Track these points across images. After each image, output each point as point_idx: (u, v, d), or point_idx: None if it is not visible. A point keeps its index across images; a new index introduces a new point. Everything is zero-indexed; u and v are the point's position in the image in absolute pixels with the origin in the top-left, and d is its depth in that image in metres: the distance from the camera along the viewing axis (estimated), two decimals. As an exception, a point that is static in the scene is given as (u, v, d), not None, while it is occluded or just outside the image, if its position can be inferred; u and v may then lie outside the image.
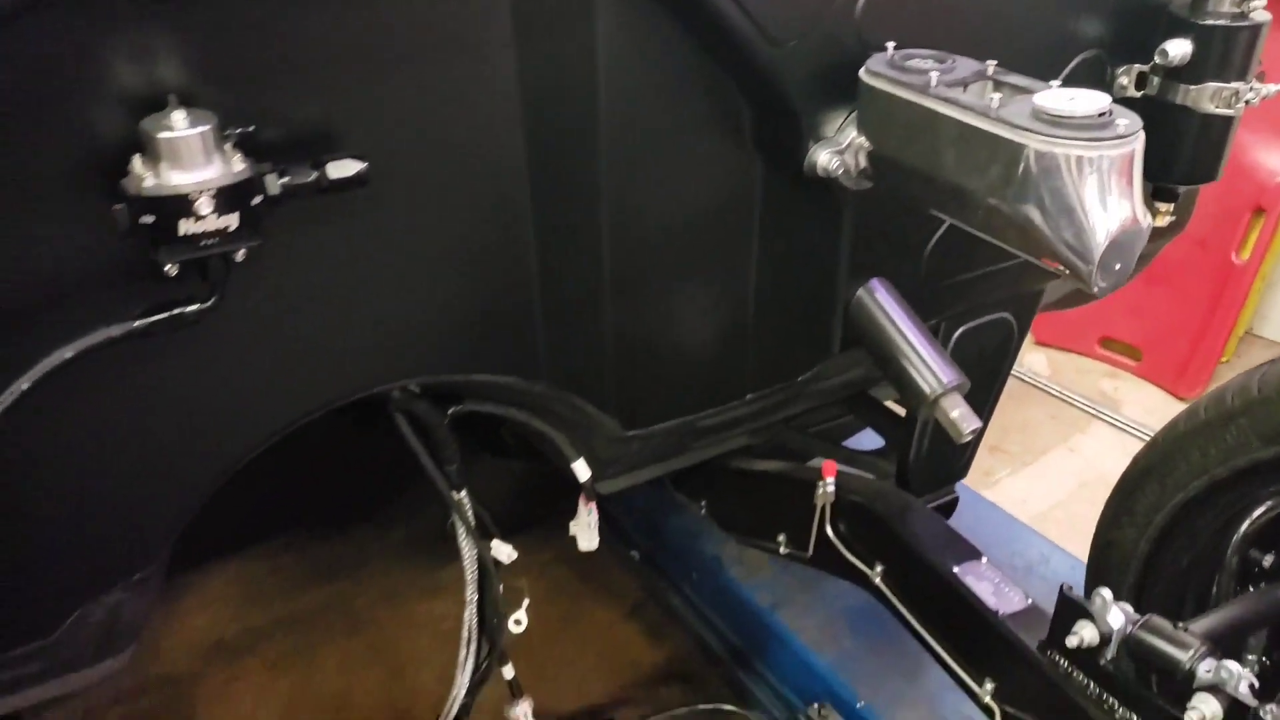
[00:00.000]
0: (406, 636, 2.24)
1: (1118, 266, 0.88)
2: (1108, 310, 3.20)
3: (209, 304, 0.91)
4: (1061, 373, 3.25)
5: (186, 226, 0.84)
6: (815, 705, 1.74)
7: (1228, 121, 1.24)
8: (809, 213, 1.18)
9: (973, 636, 1.17)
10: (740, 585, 2.02)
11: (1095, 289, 0.89)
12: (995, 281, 1.35)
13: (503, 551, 1.41)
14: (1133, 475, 1.35)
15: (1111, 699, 1.03)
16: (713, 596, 2.09)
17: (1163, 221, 1.35)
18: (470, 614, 1.49)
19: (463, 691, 1.55)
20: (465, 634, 1.51)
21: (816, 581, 2.04)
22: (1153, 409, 3.03)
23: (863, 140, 1.05)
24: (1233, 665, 0.92)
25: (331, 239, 0.98)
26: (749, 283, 1.21)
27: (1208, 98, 1.23)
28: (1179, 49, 1.20)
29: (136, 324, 0.88)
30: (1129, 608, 1.02)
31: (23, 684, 1.12)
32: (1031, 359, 3.31)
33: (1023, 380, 3.18)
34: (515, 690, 1.62)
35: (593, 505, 1.39)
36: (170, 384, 0.96)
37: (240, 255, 0.91)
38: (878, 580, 1.32)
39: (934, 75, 0.95)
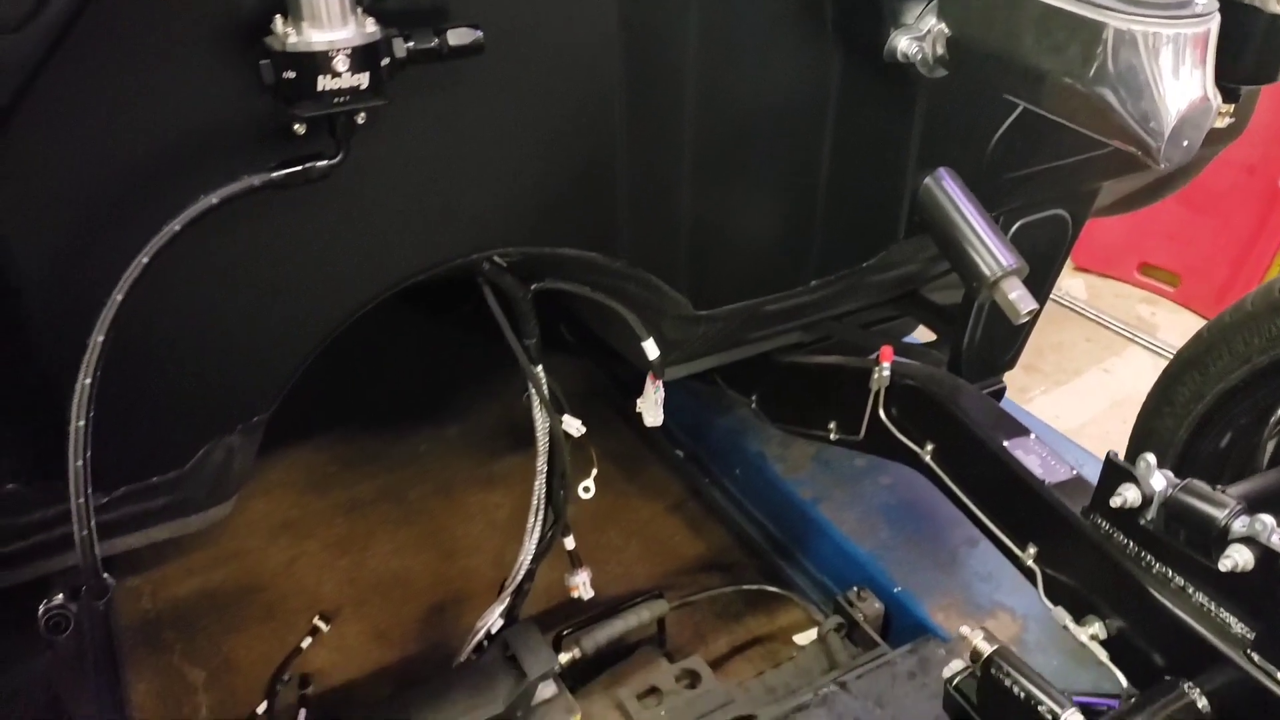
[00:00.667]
0: (460, 525, 2.37)
1: (1185, 143, 0.95)
2: (1148, 236, 3.23)
3: (336, 160, 0.99)
4: (1099, 297, 3.30)
5: (324, 83, 0.92)
6: (854, 589, 1.85)
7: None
8: (883, 102, 1.25)
9: (1018, 505, 1.27)
10: (783, 480, 2.13)
11: (1162, 164, 0.95)
12: (1054, 177, 1.42)
13: (572, 425, 1.52)
14: (1175, 367, 1.43)
15: (1149, 556, 1.13)
16: (755, 491, 2.20)
17: (1222, 123, 1.40)
18: (539, 485, 1.61)
19: (529, 558, 1.68)
20: (534, 503, 1.63)
21: (855, 479, 2.15)
22: (1188, 333, 3.05)
23: (942, 26, 1.11)
24: (1266, 518, 1.01)
25: (443, 107, 1.06)
26: (821, 170, 1.28)
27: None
28: (1250, -52, 1.24)
29: (274, 174, 0.97)
30: (1170, 473, 1.11)
31: (149, 519, 1.24)
32: (1070, 283, 3.36)
33: (1060, 304, 3.23)
34: (575, 560, 1.74)
35: (659, 384, 1.48)
36: (295, 237, 1.05)
37: (362, 118, 0.99)
38: (927, 458, 1.42)
39: (1016, -40, 1.01)
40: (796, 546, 2.08)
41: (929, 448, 1.42)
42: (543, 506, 1.63)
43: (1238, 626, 1.05)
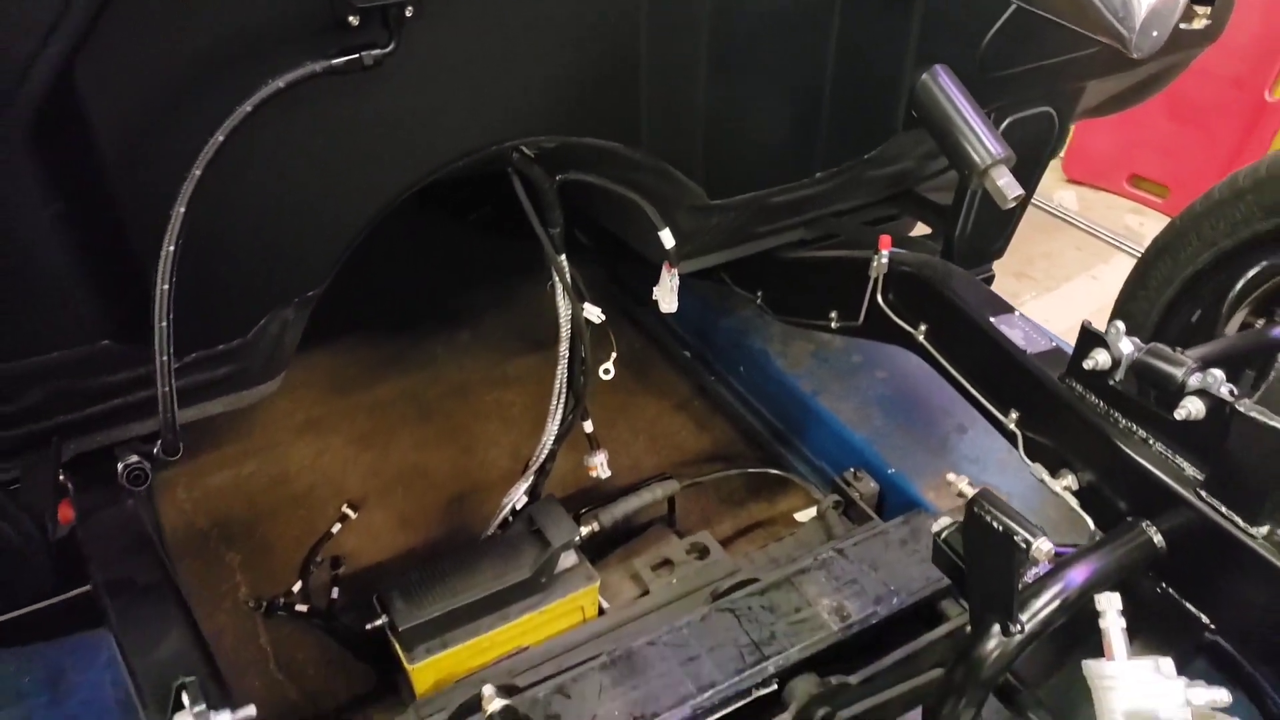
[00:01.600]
0: (476, 422, 2.52)
1: (1154, 34, 1.06)
2: (1138, 149, 3.34)
3: (388, 49, 1.10)
4: (1090, 208, 3.42)
5: (378, -26, 1.02)
6: (851, 470, 2.01)
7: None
8: (884, 2, 1.35)
9: (1002, 374, 1.41)
10: (784, 374, 2.27)
11: (1134, 53, 1.07)
12: (1041, 76, 1.53)
13: (593, 313, 1.65)
14: (1150, 254, 1.56)
15: (1117, 413, 1.28)
16: (758, 386, 2.35)
17: (1199, 24, 1.51)
18: (561, 369, 1.74)
19: (551, 439, 1.82)
20: (556, 387, 1.76)
21: (852, 373, 2.30)
22: (1174, 244, 3.22)
23: (941, -74, 1.21)
24: (1217, 372, 1.15)
25: (482, 2, 1.16)
26: (827, 66, 1.38)
27: (1255, -99, 1.36)
28: None
29: (334, 61, 1.08)
30: (1136, 339, 1.25)
31: (211, 390, 1.37)
32: (1061, 194, 3.47)
33: (1052, 214, 3.35)
34: (594, 442, 1.89)
35: (674, 272, 1.61)
36: (349, 122, 1.17)
37: (410, 10, 1.09)
38: (921, 338, 1.56)
39: None
40: (797, 435, 2.24)
41: (923, 328, 1.56)
42: (564, 391, 1.77)
43: (1190, 470, 1.20)
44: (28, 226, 1.00)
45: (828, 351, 2.36)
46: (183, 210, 1.05)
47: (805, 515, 2.04)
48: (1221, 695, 1.01)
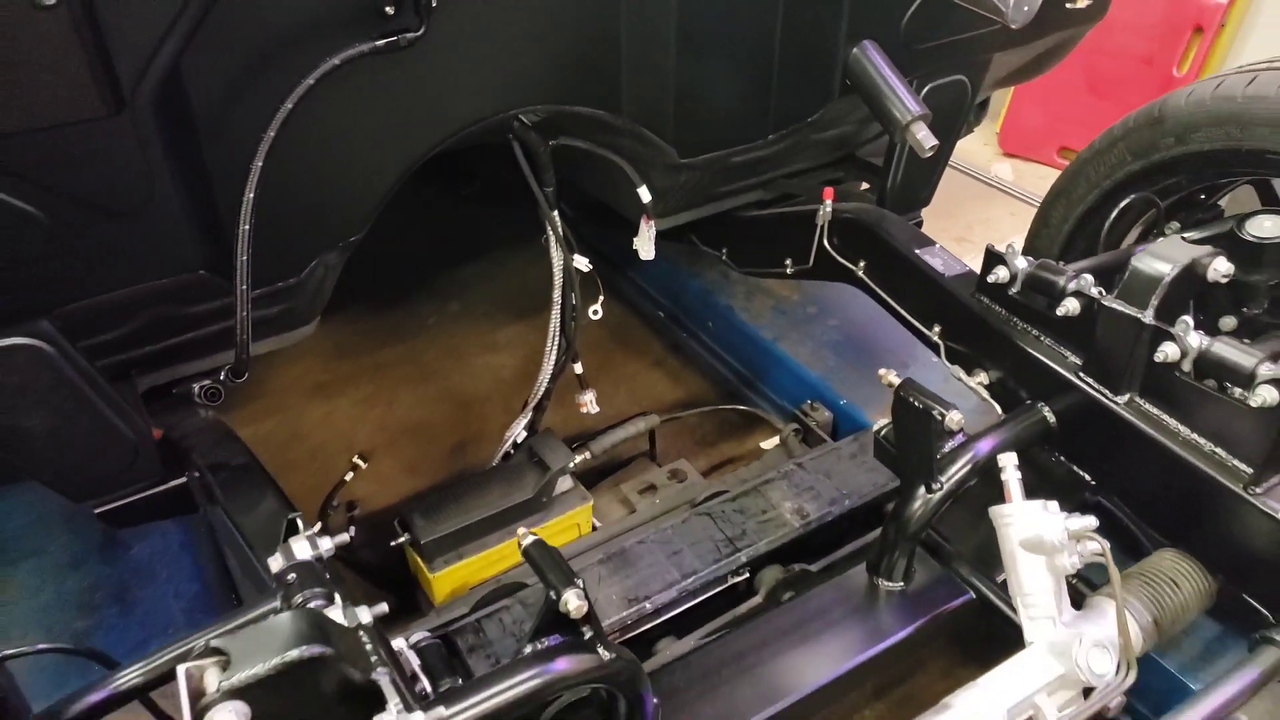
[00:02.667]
0: (470, 382, 2.79)
1: (1026, 9, 1.37)
2: (1064, 123, 3.69)
3: (420, 32, 1.37)
4: (1024, 178, 3.77)
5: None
6: (808, 402, 2.31)
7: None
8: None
9: (926, 295, 1.72)
10: (748, 326, 2.57)
11: (1012, 24, 1.37)
12: (954, 49, 1.83)
13: (581, 262, 1.93)
14: (1049, 198, 1.88)
15: (1016, 318, 1.59)
16: (726, 338, 2.64)
17: (1082, 3, 1.82)
18: (555, 315, 2.02)
19: (547, 378, 2.10)
20: (550, 332, 2.04)
21: (807, 322, 2.61)
22: (1098, 209, 3.57)
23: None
24: (1088, 277, 1.47)
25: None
26: (775, 40, 1.68)
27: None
28: None
29: (379, 43, 1.35)
30: (1029, 258, 1.56)
31: (264, 329, 1.63)
32: (998, 167, 3.82)
33: (989, 184, 3.69)
34: (583, 382, 2.17)
35: (652, 223, 1.89)
36: (387, 93, 1.44)
37: (435, 1, 1.37)
38: (861, 273, 1.86)
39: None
40: (760, 378, 2.54)
41: (862, 265, 1.86)
42: (558, 334, 2.05)
43: (1071, 358, 1.51)
44: (156, 177, 1.26)
45: (785, 305, 2.66)
46: (260, 164, 1.32)
47: (770, 443, 2.33)
48: (1090, 521, 1.31)
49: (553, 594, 1.16)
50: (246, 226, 1.34)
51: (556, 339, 2.06)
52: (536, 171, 1.77)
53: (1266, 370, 1.27)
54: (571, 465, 2.08)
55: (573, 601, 1.15)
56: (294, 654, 0.86)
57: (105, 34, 1.02)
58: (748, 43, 1.66)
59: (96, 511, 1.43)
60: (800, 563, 1.89)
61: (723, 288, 2.73)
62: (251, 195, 1.32)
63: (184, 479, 1.47)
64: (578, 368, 2.14)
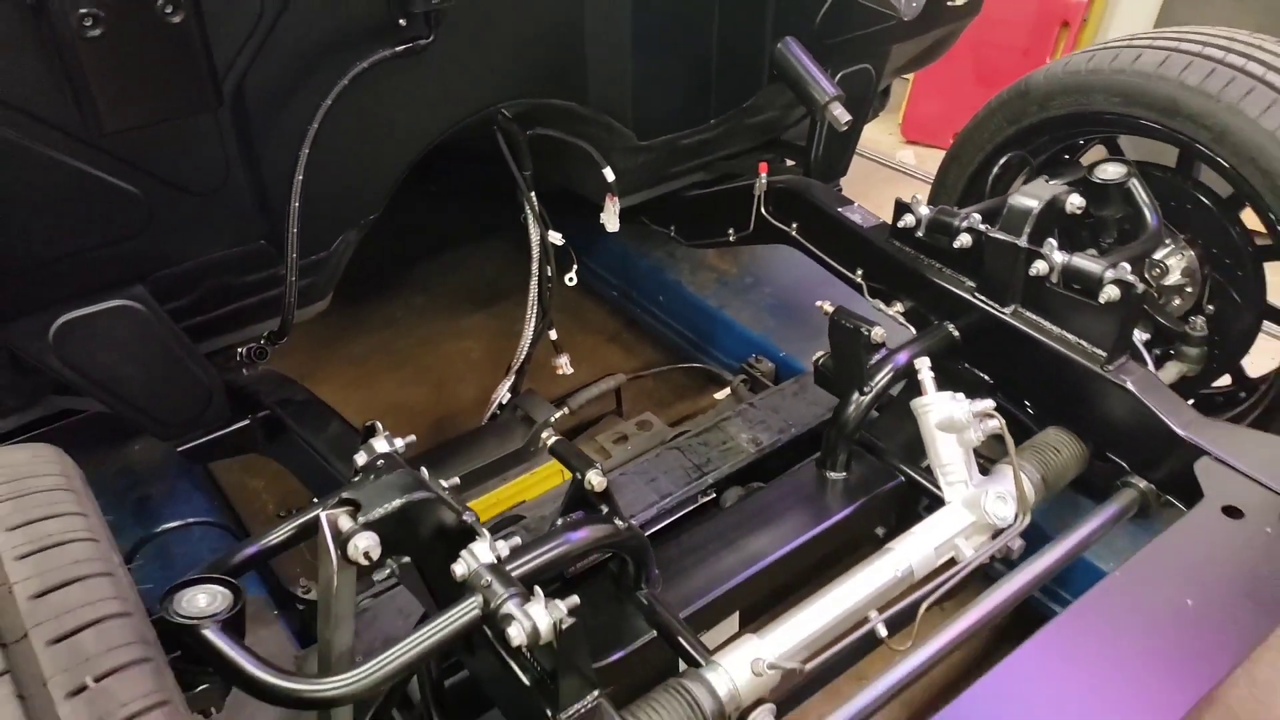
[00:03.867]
0: (443, 366, 3.08)
1: (914, 4, 1.75)
2: (958, 111, 4.17)
3: (430, 40, 1.69)
4: (925, 162, 4.24)
5: (427, -11, 1.62)
6: (753, 356, 2.68)
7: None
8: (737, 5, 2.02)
9: (849, 245, 2.10)
10: (696, 296, 2.93)
11: (905, 17, 1.76)
12: (859, 42, 2.23)
13: (555, 237, 2.26)
14: (944, 163, 2.29)
15: (922, 255, 1.98)
16: (676, 308, 3.00)
17: (960, 1, 2.24)
18: (533, 285, 2.34)
19: (528, 343, 2.42)
20: (530, 300, 2.36)
21: (747, 290, 2.98)
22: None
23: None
24: (977, 215, 1.86)
25: (491, 8, 1.77)
26: (714, 35, 2.04)
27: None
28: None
29: (399, 49, 1.66)
30: (930, 206, 1.95)
31: (298, 300, 1.92)
32: (902, 154, 4.29)
33: (895, 169, 4.15)
34: (558, 347, 2.49)
35: (616, 199, 2.24)
36: (402, 91, 1.75)
37: (443, 15, 1.69)
38: (794, 233, 2.24)
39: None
40: (709, 342, 2.89)
41: (795, 226, 2.24)
42: (535, 304, 2.37)
43: (968, 283, 1.91)
44: (230, 161, 1.55)
45: (727, 278, 3.03)
46: (306, 152, 1.62)
47: (722, 394, 2.69)
48: (989, 402, 1.69)
49: (578, 475, 1.48)
50: (297, 204, 1.63)
51: (535, 308, 2.38)
52: (516, 157, 2.10)
53: (1110, 274, 1.68)
54: (554, 418, 2.40)
55: (595, 478, 1.47)
56: (415, 496, 1.17)
57: (210, 43, 1.31)
58: (691, 41, 2.03)
59: (179, 450, 1.70)
60: (757, 481, 2.25)
61: (670, 265, 3.09)
62: (300, 177, 1.63)
63: (248, 421, 1.75)
64: (553, 334, 2.47)
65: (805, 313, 2.92)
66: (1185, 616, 1.30)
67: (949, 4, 2.25)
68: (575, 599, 1.16)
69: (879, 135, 4.43)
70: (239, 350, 1.83)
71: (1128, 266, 1.69)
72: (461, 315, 3.28)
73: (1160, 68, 1.88)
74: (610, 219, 2.26)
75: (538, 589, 1.16)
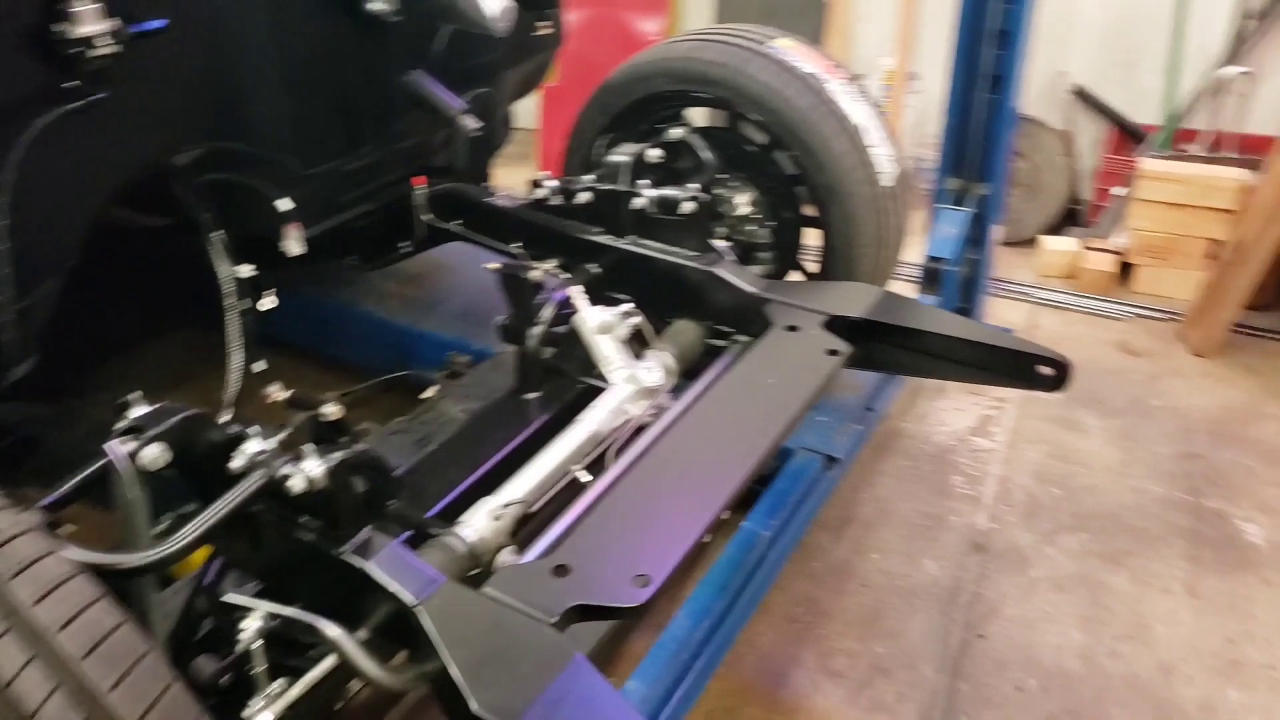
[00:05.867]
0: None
1: (502, 25, 2.34)
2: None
3: (102, 95, 2.01)
4: (565, 191, 4.98)
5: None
6: (451, 353, 3.12)
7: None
8: (368, 40, 2.52)
9: (503, 224, 2.64)
10: (388, 319, 3.35)
11: (498, 34, 2.34)
12: (479, 69, 2.81)
13: (245, 269, 2.58)
14: (566, 153, 2.92)
15: (556, 216, 2.55)
16: (373, 335, 3.38)
17: (546, 31, 2.89)
18: (230, 319, 2.63)
19: (236, 374, 2.69)
20: (228, 335, 2.65)
21: (435, 305, 3.44)
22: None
23: (389, -7, 2.41)
24: (591, 177, 2.46)
25: (153, 64, 2.12)
26: (356, 78, 2.52)
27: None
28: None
29: (78, 104, 1.97)
30: (555, 178, 2.54)
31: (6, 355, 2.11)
32: (544, 187, 5.01)
33: (541, 199, 4.84)
34: (265, 377, 2.78)
35: (296, 225, 2.61)
36: (84, 141, 2.05)
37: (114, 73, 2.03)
38: (458, 230, 2.74)
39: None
40: (411, 358, 3.30)
41: (458, 223, 2.74)
42: (239, 336, 2.66)
43: (596, 229, 2.50)
44: None
45: (413, 299, 3.48)
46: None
47: (429, 392, 3.10)
48: (628, 305, 2.27)
49: (315, 412, 1.85)
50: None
51: (239, 341, 2.67)
52: (194, 197, 2.43)
53: (684, 196, 2.35)
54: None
55: (329, 409, 1.84)
56: (189, 412, 1.50)
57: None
58: (334, 78, 2.49)
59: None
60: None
61: (356, 301, 3.48)
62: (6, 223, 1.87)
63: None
64: (260, 365, 2.76)
65: (490, 312, 3.43)
66: (769, 390, 1.93)
67: (534, 34, 2.90)
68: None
69: (520, 180, 5.11)
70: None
71: (696, 187, 2.37)
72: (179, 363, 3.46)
73: (691, 52, 2.63)
74: (293, 244, 2.63)
75: (304, 448, 1.52)
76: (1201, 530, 3.16)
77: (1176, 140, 5.37)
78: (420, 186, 2.74)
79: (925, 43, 5.67)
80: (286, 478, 1.49)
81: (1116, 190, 5.33)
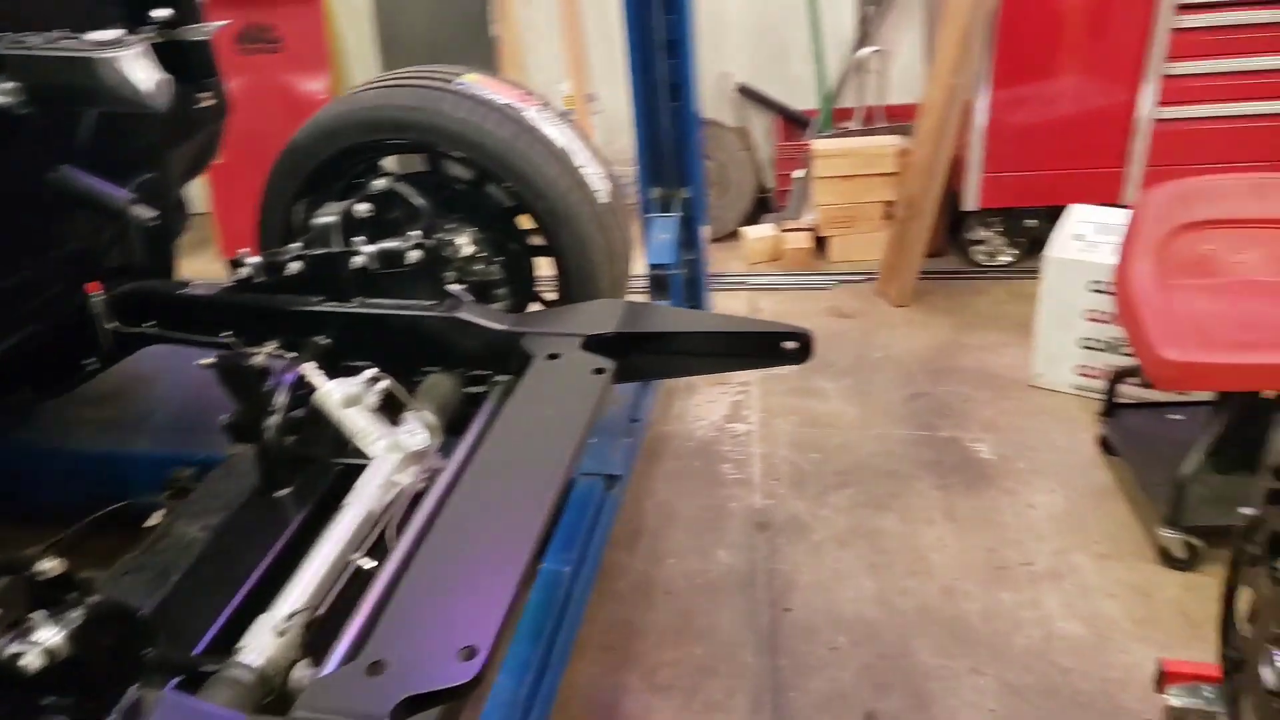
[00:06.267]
0: None
1: (158, 101, 2.11)
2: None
3: None
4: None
5: None
6: (173, 470, 2.79)
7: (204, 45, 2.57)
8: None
9: (205, 315, 2.39)
10: (81, 449, 2.93)
11: (157, 109, 2.12)
12: (138, 152, 2.53)
13: None
14: (257, 226, 2.70)
15: (272, 296, 2.35)
16: (64, 468, 2.94)
17: (209, 103, 2.66)
18: None
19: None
20: None
21: (136, 423, 3.05)
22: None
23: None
24: (298, 245, 2.29)
25: None
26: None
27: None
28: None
29: None
30: (258, 258, 2.34)
31: None
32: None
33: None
34: None
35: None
36: None
37: None
38: (152, 331, 2.45)
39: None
40: (125, 487, 2.89)
41: (150, 324, 2.46)
42: None
43: (315, 299, 2.33)
44: None
45: (104, 422, 3.07)
46: None
47: (155, 519, 2.75)
48: (371, 370, 2.13)
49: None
50: None
51: None
52: None
53: (408, 245, 2.24)
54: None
55: (46, 565, 1.56)
56: None
57: None
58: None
59: None
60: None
61: (31, 439, 3.02)
62: None
63: None
64: None
65: (205, 416, 3.10)
66: (548, 421, 1.87)
67: (197, 107, 2.67)
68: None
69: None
70: None
71: (419, 234, 2.27)
72: None
73: (380, 99, 2.53)
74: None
75: (33, 617, 1.28)
76: (943, 459, 3.48)
77: (835, 120, 5.94)
78: (96, 294, 2.43)
79: (595, 64, 5.88)
80: (17, 657, 1.24)
81: (796, 174, 5.79)
